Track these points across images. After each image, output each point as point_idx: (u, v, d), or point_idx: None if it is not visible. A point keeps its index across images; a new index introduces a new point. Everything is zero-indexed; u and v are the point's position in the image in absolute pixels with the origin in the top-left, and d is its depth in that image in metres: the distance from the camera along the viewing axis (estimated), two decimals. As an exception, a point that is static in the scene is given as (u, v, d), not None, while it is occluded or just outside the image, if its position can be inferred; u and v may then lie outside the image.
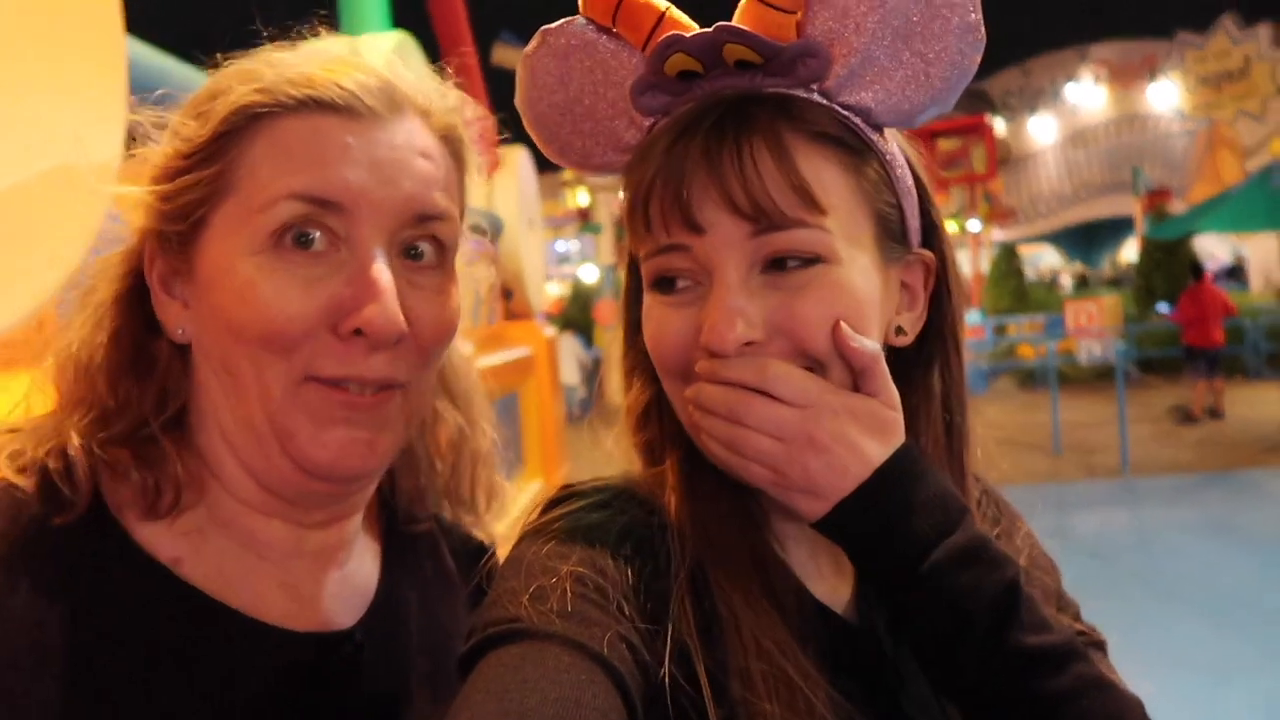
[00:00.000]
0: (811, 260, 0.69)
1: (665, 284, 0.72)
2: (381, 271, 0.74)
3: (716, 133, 0.69)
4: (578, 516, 0.72)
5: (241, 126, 0.75)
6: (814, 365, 0.70)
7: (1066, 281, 30.11)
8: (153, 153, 0.79)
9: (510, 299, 4.78)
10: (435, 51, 3.79)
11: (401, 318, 0.74)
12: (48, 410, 0.79)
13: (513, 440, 3.75)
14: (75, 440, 0.73)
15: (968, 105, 33.11)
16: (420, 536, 0.96)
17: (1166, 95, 26.74)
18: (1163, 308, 13.41)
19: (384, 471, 0.85)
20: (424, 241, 0.79)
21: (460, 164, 0.86)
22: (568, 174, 18.37)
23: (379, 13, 3.51)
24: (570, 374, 12.04)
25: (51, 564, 0.70)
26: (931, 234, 0.79)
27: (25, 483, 0.72)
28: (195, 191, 0.75)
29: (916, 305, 0.78)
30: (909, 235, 0.77)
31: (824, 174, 0.69)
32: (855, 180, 0.71)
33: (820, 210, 0.69)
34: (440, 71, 0.88)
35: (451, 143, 0.84)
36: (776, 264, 0.69)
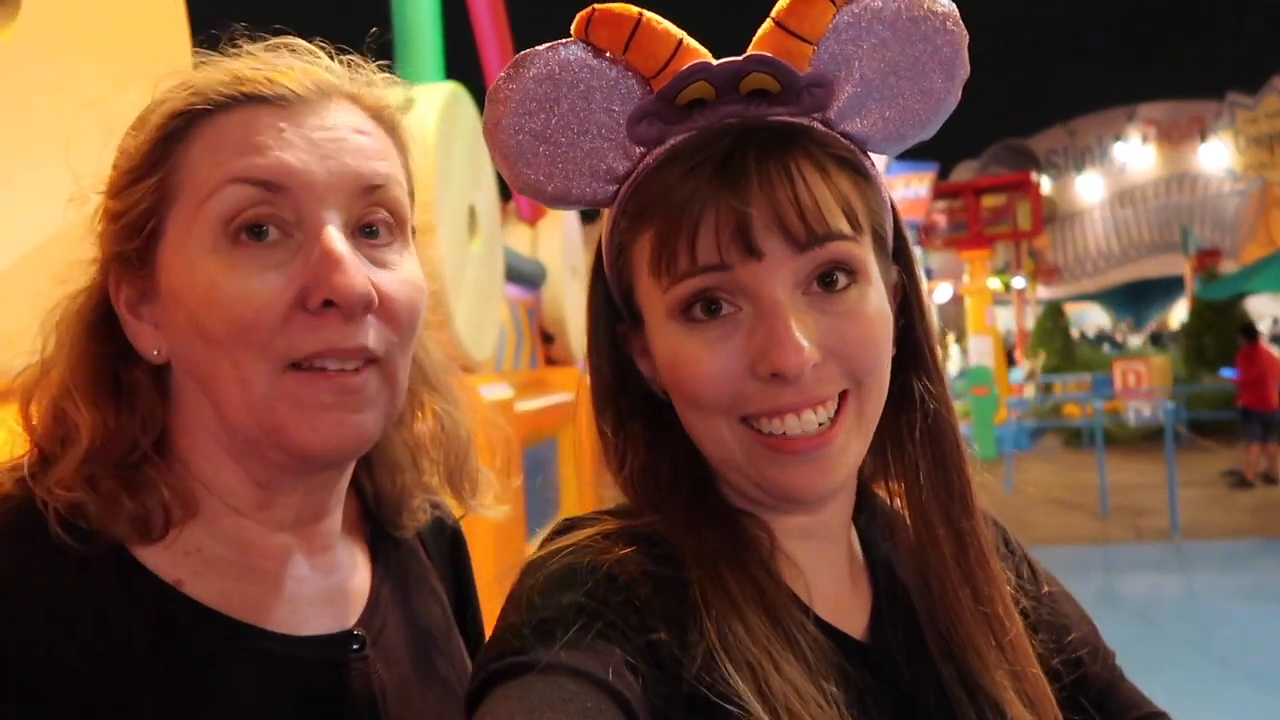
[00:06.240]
0: (853, 276, 0.70)
1: (710, 308, 0.70)
2: (335, 239, 0.74)
3: (763, 157, 0.68)
4: (580, 550, 0.71)
5: (177, 130, 0.76)
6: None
7: (1134, 341, 29.27)
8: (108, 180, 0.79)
9: (551, 343, 4.82)
10: (485, 102, 3.87)
11: (368, 282, 0.74)
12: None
13: (551, 486, 3.74)
14: (72, 478, 0.73)
15: (1012, 162, 33.02)
16: (403, 541, 0.97)
17: (1217, 155, 26.47)
18: (1227, 373, 13.05)
19: (366, 450, 0.83)
20: (377, 216, 0.79)
21: (398, 141, 0.86)
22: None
23: (433, 63, 3.60)
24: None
25: (65, 591, 0.71)
26: (901, 249, 0.80)
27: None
28: (142, 202, 0.76)
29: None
30: (889, 253, 0.78)
31: (851, 196, 0.71)
32: (866, 203, 0.73)
33: (859, 228, 0.71)
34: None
35: (384, 120, 0.84)
36: (825, 281, 0.70)
